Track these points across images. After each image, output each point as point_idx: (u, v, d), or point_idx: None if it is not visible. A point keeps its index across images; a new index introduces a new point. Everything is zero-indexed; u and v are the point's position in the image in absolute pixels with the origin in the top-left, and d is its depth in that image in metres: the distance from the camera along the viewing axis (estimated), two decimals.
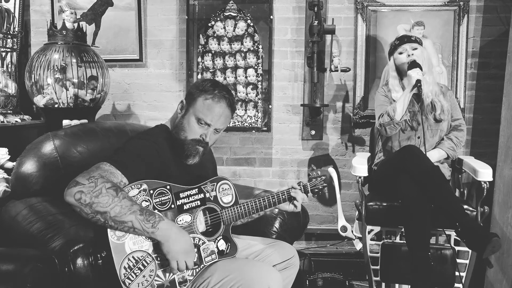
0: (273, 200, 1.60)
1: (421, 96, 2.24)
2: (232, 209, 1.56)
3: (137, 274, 1.35)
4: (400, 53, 2.33)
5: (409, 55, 2.29)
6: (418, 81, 2.16)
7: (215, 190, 1.56)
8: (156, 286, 1.37)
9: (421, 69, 2.22)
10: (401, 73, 2.36)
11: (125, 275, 1.33)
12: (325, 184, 1.66)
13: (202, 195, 1.52)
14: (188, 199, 1.49)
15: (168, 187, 1.46)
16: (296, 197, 1.61)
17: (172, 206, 1.45)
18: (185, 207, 1.48)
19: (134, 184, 1.40)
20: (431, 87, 2.28)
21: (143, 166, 1.43)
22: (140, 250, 1.36)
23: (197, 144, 1.54)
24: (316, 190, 1.66)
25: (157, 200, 1.43)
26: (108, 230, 1.34)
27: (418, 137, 2.31)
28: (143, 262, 1.36)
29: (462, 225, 1.95)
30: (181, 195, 1.48)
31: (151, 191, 1.42)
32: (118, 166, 1.38)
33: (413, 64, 2.23)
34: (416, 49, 2.31)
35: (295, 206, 1.63)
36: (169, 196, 1.45)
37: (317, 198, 3.04)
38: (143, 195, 1.41)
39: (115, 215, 1.30)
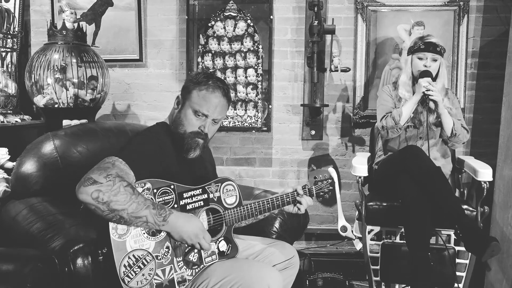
0: (277, 202, 1.60)
1: (428, 104, 2.21)
2: (235, 211, 1.56)
3: (137, 272, 1.35)
4: (420, 59, 2.25)
5: (426, 65, 2.23)
6: (426, 95, 2.16)
7: (219, 191, 1.55)
8: (155, 285, 1.37)
9: (432, 78, 2.20)
10: (413, 76, 2.31)
11: (125, 273, 1.34)
12: (331, 188, 1.65)
13: (205, 196, 1.52)
14: (192, 199, 1.49)
15: (172, 186, 1.45)
16: (301, 202, 1.61)
17: (175, 206, 1.45)
18: (188, 207, 1.48)
19: (138, 182, 1.40)
20: (439, 98, 2.26)
21: (149, 164, 1.44)
22: (140, 249, 1.36)
23: (196, 137, 1.54)
24: (322, 193, 1.66)
25: (160, 199, 1.43)
26: (110, 227, 1.34)
27: (420, 138, 2.31)
28: (143, 260, 1.36)
29: (461, 227, 1.95)
30: (185, 195, 1.48)
31: (155, 190, 1.42)
32: (131, 165, 1.38)
33: (425, 73, 2.20)
34: (436, 60, 2.25)
35: (299, 209, 1.63)
36: (172, 195, 1.45)
37: (319, 201, 3.04)
38: (147, 194, 1.41)
39: (132, 212, 1.32)
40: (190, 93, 1.54)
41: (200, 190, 1.52)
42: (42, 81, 2.55)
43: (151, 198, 1.41)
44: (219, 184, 1.56)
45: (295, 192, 1.61)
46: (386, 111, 2.29)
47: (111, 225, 1.34)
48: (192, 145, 1.54)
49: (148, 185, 1.42)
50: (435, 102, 2.19)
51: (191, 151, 1.54)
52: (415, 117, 2.29)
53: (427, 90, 2.16)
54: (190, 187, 1.50)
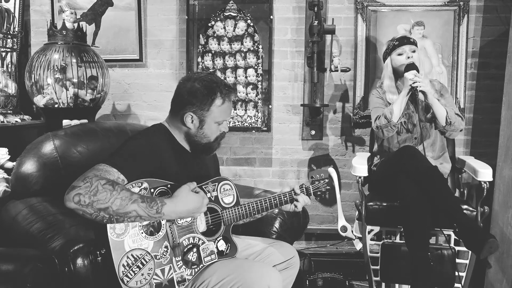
0: (275, 202, 1.61)
1: (417, 98, 2.21)
2: (233, 210, 1.56)
3: (136, 272, 1.35)
4: (400, 54, 2.29)
5: (408, 57, 2.26)
6: (414, 87, 2.15)
7: (216, 190, 1.56)
8: (154, 284, 1.37)
9: (417, 71, 2.21)
10: (397, 75, 2.34)
11: (124, 272, 1.34)
12: (328, 187, 1.65)
13: None
14: None
15: (169, 186, 1.45)
16: (299, 200, 1.61)
17: None
18: None
19: (135, 182, 1.40)
20: (427, 88, 2.26)
21: (139, 165, 1.43)
22: (139, 248, 1.36)
23: (220, 139, 1.63)
24: (319, 193, 1.66)
25: None
26: (108, 227, 1.34)
27: (415, 138, 2.31)
28: (142, 260, 1.36)
29: (460, 225, 1.95)
30: None
31: (152, 190, 1.42)
32: (113, 165, 1.38)
33: (410, 66, 2.22)
34: (414, 51, 2.29)
35: (296, 206, 1.63)
36: (169, 195, 1.45)
37: (316, 200, 3.04)
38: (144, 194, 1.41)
39: (117, 208, 1.30)
40: (209, 110, 1.53)
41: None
42: (42, 81, 2.56)
43: (143, 193, 1.40)
44: (216, 183, 1.56)
45: (292, 192, 1.61)
46: (379, 113, 2.29)
47: (108, 225, 1.34)
48: (216, 147, 1.64)
49: (145, 184, 1.42)
50: (423, 93, 2.18)
51: (214, 151, 1.67)
52: (408, 121, 2.29)
53: (413, 83, 2.15)
54: None
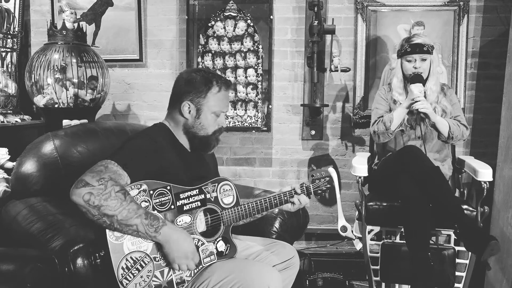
0: (275, 201, 1.60)
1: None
2: (233, 210, 1.55)
3: (135, 274, 1.35)
4: (408, 61, 2.25)
5: (415, 67, 2.22)
6: (418, 108, 2.14)
7: (216, 191, 1.55)
8: (153, 286, 1.37)
9: (424, 83, 2.20)
10: (406, 78, 2.31)
11: (123, 275, 1.34)
12: (328, 185, 1.64)
13: (202, 196, 1.52)
14: (188, 200, 1.49)
15: (168, 187, 1.45)
16: (300, 200, 1.61)
17: (172, 206, 1.45)
18: (185, 208, 1.48)
19: (134, 184, 1.40)
20: (435, 95, 2.26)
21: (144, 166, 1.43)
22: (138, 251, 1.36)
23: (218, 133, 1.62)
24: (320, 191, 1.65)
25: (157, 200, 1.43)
26: (107, 230, 1.34)
27: (419, 137, 2.31)
28: (141, 262, 1.36)
29: (461, 226, 1.95)
30: (181, 195, 1.48)
31: (151, 192, 1.42)
32: (124, 167, 1.38)
33: (416, 78, 2.19)
34: (425, 60, 2.24)
35: (294, 203, 1.63)
36: (169, 196, 1.45)
37: (317, 198, 3.04)
38: (143, 196, 1.41)
39: (122, 219, 1.31)
40: (205, 98, 1.56)
41: (197, 190, 1.51)
42: (42, 81, 2.56)
43: (148, 200, 1.40)
44: (216, 184, 1.56)
45: (292, 191, 1.61)
46: (378, 116, 2.29)
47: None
48: (215, 143, 1.62)
49: (144, 186, 1.41)
50: (425, 114, 2.18)
51: (213, 148, 1.63)
52: (410, 118, 2.29)
53: (416, 103, 2.13)
54: (187, 188, 1.50)
